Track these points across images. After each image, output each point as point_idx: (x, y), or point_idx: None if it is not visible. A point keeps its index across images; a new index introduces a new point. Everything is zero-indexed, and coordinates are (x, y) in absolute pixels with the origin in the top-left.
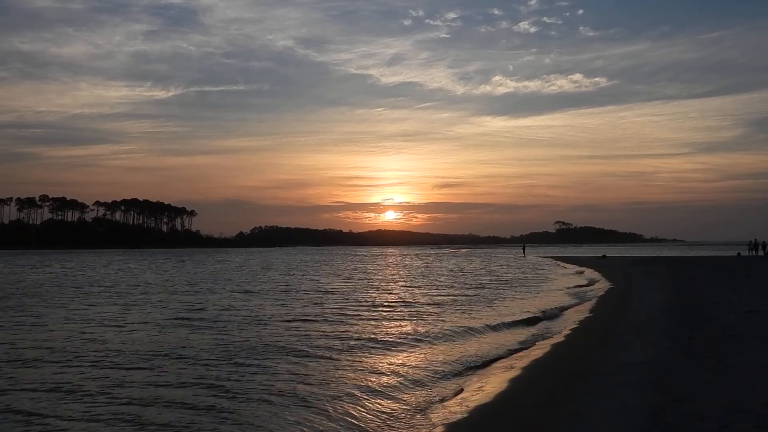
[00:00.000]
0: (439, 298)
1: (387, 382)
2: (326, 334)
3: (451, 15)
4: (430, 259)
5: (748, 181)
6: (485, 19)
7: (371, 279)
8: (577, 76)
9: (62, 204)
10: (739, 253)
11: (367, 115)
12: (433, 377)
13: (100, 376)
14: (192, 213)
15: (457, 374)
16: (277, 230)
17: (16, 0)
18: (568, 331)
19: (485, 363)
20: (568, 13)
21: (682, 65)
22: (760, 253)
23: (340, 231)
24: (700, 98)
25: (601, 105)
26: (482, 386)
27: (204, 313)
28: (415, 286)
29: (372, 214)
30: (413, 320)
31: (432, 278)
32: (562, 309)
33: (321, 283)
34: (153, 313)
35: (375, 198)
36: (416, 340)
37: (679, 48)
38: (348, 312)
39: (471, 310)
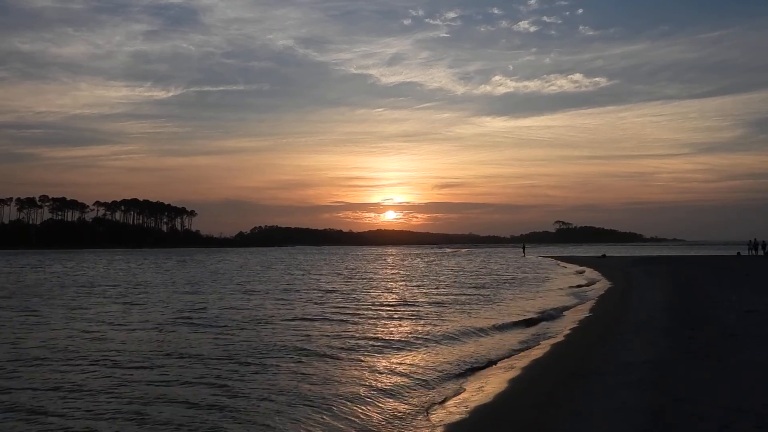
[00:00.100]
0: (439, 297)
1: (387, 383)
2: (327, 334)
3: (451, 15)
4: (431, 258)
5: (748, 181)
6: (485, 18)
7: (372, 279)
8: (577, 76)
9: (62, 204)
10: (739, 253)
11: (367, 115)
12: (433, 377)
13: (103, 374)
14: (192, 213)
15: (458, 375)
16: (277, 230)
17: (16, 0)
18: (568, 331)
19: (486, 364)
20: (567, 13)
21: (682, 65)
22: (760, 252)
23: (340, 231)
24: (700, 98)
25: (601, 105)
26: (482, 386)
27: (205, 312)
28: (415, 286)
29: (372, 214)
30: (414, 320)
31: (432, 278)
32: (563, 309)
33: (321, 282)
34: (154, 312)
35: (375, 198)
36: (417, 341)
37: (679, 48)
38: (349, 312)
39: (471, 310)
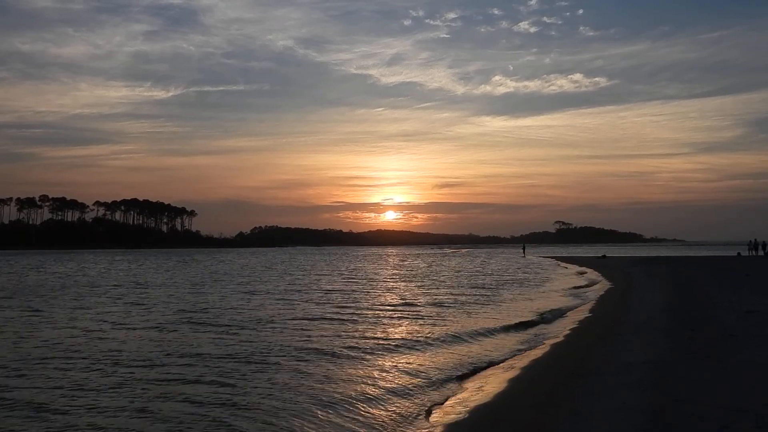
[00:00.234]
0: (440, 298)
1: (387, 382)
2: (328, 334)
3: (451, 15)
4: (431, 259)
5: (748, 181)
6: (485, 19)
7: (372, 279)
8: (577, 76)
9: (62, 204)
10: (739, 253)
11: (367, 115)
12: (433, 378)
13: (105, 373)
14: (192, 213)
15: (458, 375)
16: (277, 230)
17: (16, 0)
18: (568, 332)
19: (487, 364)
20: (568, 13)
21: (682, 65)
22: (760, 253)
23: (340, 231)
24: (700, 98)
25: (601, 105)
26: (482, 386)
27: (207, 313)
28: (416, 286)
29: (372, 214)
30: (414, 321)
31: (433, 278)
32: (563, 310)
33: (322, 283)
34: (156, 312)
35: (375, 198)
36: (417, 341)
37: (679, 48)
38: (349, 312)
39: (472, 311)
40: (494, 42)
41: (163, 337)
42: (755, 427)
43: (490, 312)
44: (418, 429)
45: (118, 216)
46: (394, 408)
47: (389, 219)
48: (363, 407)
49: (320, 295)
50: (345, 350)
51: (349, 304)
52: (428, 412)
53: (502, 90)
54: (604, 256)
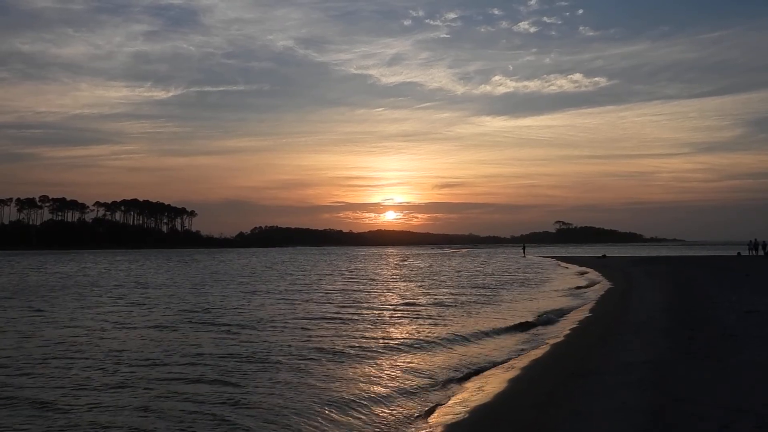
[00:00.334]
0: (441, 298)
1: (388, 383)
2: (329, 334)
3: (451, 15)
4: (431, 259)
5: (748, 181)
6: (485, 19)
7: (373, 279)
8: (577, 76)
9: (62, 204)
10: (739, 253)
11: (367, 115)
12: (434, 378)
13: (108, 372)
14: (192, 213)
15: (459, 376)
16: (277, 230)
17: (17, 0)
18: (568, 332)
19: (489, 365)
20: (568, 13)
21: (682, 65)
22: (760, 252)
23: (340, 231)
24: (700, 98)
25: (601, 105)
26: (482, 386)
27: (209, 313)
28: (416, 286)
29: (372, 214)
30: (416, 321)
31: (433, 278)
32: (563, 310)
33: (323, 283)
34: (157, 312)
35: (375, 198)
36: (418, 342)
37: (679, 48)
38: (350, 312)
39: (473, 312)
40: (494, 42)
41: (164, 336)
42: (755, 427)
43: (490, 312)
44: (418, 429)
45: (118, 216)
46: (395, 408)
47: (389, 219)
48: (363, 407)
49: (321, 295)
50: (346, 350)
51: (349, 304)
52: (428, 412)
53: (502, 90)
54: (604, 256)
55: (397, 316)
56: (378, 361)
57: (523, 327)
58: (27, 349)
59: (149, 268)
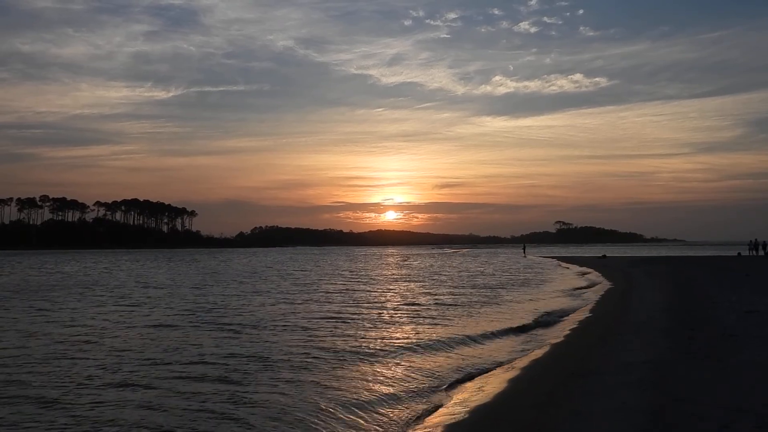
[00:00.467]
0: (441, 298)
1: (389, 383)
2: (330, 334)
3: (452, 15)
4: (432, 259)
5: (748, 181)
6: (485, 19)
7: (374, 279)
8: (577, 76)
9: (63, 204)
10: (739, 253)
11: (368, 115)
12: (435, 379)
13: (110, 370)
14: (192, 213)
15: (460, 377)
16: (277, 230)
17: (17, 0)
18: (568, 332)
19: (488, 366)
20: (568, 13)
21: (682, 65)
22: (761, 252)
23: (341, 231)
24: (700, 98)
25: (601, 105)
26: (482, 386)
27: (211, 312)
28: (417, 287)
29: (372, 214)
30: (417, 321)
31: (434, 278)
32: (564, 310)
33: (324, 283)
34: (159, 312)
35: (375, 198)
36: (419, 343)
37: (679, 48)
38: (351, 312)
39: (474, 312)
40: (494, 42)
41: (166, 336)
42: (755, 427)
43: (491, 313)
44: (418, 429)
45: (118, 216)
46: (395, 408)
47: (389, 219)
48: (364, 407)
49: (322, 294)
50: (346, 350)
51: (350, 304)
52: (429, 412)
53: (502, 90)
54: (604, 256)
55: (398, 317)
56: (378, 362)
57: (523, 328)
58: (29, 348)
59: (150, 268)
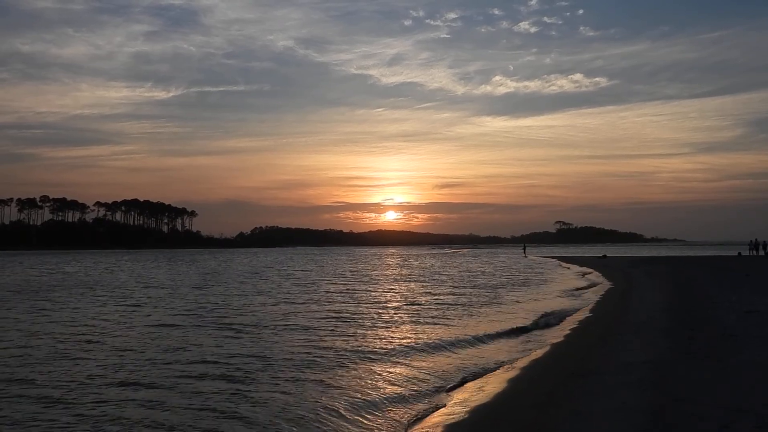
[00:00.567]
0: (442, 299)
1: (390, 383)
2: (331, 335)
3: (452, 15)
4: (432, 259)
5: (748, 181)
6: (485, 19)
7: (374, 279)
8: (578, 76)
9: (63, 204)
10: (740, 253)
11: (368, 115)
12: (435, 380)
13: (112, 369)
14: (192, 213)
15: (460, 377)
16: (277, 230)
17: (17, 1)
18: (568, 332)
19: (489, 366)
20: (568, 13)
21: (682, 65)
22: (761, 252)
23: (341, 231)
24: (700, 98)
25: (601, 105)
26: (482, 386)
27: (212, 312)
28: (418, 287)
29: (372, 215)
30: (418, 322)
31: (435, 279)
32: (564, 310)
33: (324, 283)
34: (161, 312)
35: (375, 198)
36: (420, 343)
37: (679, 48)
38: (351, 313)
39: (475, 313)
40: (494, 42)
41: (168, 335)
42: (755, 427)
43: (492, 313)
44: (418, 429)
45: (118, 216)
46: (396, 408)
47: (390, 219)
48: (365, 406)
49: (323, 295)
50: (347, 350)
51: (351, 304)
52: (429, 412)
53: (502, 90)
54: (604, 256)
55: (399, 317)
56: (379, 362)
57: (523, 328)
58: (32, 347)
59: (150, 268)
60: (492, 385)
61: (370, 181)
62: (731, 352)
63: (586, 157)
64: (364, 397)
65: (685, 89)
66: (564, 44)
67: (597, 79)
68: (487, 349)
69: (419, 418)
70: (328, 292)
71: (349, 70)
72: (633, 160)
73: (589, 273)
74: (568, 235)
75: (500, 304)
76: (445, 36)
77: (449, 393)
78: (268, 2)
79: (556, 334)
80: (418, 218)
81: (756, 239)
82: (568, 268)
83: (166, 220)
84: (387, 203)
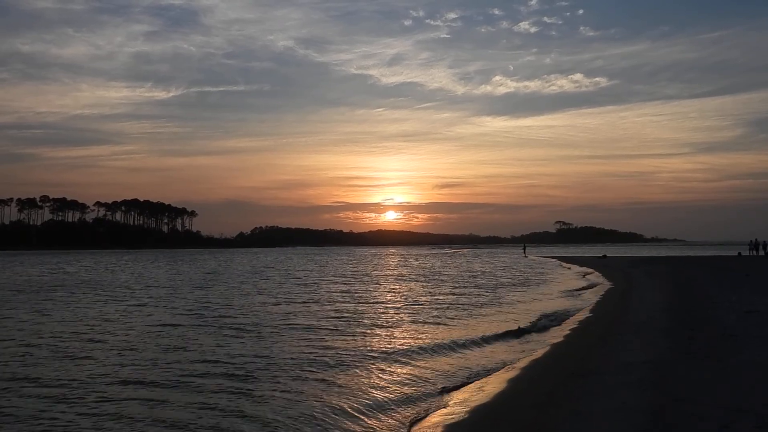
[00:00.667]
0: (443, 299)
1: (390, 384)
2: (332, 335)
3: (452, 15)
4: (432, 259)
5: (748, 181)
6: (485, 19)
7: (374, 279)
8: (578, 76)
9: (63, 204)
10: (740, 253)
11: (368, 115)
12: (436, 380)
13: (113, 369)
14: (192, 213)
15: (461, 378)
16: (277, 230)
17: (17, 1)
18: (568, 331)
19: (489, 366)
20: (568, 13)
21: (682, 65)
22: (761, 252)
23: (341, 231)
24: (700, 98)
25: (601, 105)
26: (482, 386)
27: (213, 312)
28: (419, 287)
29: (372, 215)
30: (418, 322)
31: (435, 279)
32: (564, 310)
33: (325, 283)
34: (162, 312)
35: (375, 198)
36: (421, 344)
37: (679, 48)
38: (352, 313)
39: (476, 313)
40: (494, 42)
41: (169, 334)
42: (755, 427)
43: (492, 313)
44: (419, 428)
45: (118, 216)
46: (396, 408)
47: (390, 219)
48: (365, 406)
49: (323, 294)
50: (348, 350)
51: (351, 305)
52: (429, 412)
53: (502, 90)
54: (604, 256)
55: (399, 317)
56: (380, 362)
57: (523, 328)
58: (34, 346)
59: (151, 268)
60: (492, 385)
61: (370, 181)
62: (731, 352)
63: (586, 157)
64: (364, 397)
65: (685, 89)
66: (564, 44)
67: (597, 79)
68: (488, 349)
69: (420, 418)
70: (328, 292)
71: (349, 70)
72: (633, 160)
73: (590, 273)
74: (568, 235)
75: (500, 304)
76: (445, 36)
77: (449, 393)
78: (268, 2)
79: (556, 334)
80: (418, 218)
81: (756, 239)
82: (569, 268)
83: (166, 220)
84: (387, 203)
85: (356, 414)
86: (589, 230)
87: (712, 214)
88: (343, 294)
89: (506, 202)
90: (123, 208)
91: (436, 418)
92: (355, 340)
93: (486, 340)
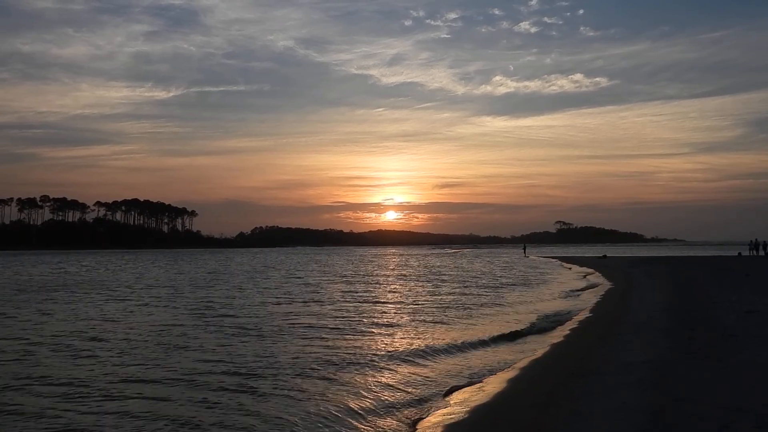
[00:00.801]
0: (443, 299)
1: (390, 384)
2: (332, 336)
3: (452, 15)
4: (433, 259)
5: (748, 181)
6: (486, 19)
7: (375, 280)
8: (578, 76)
9: (63, 204)
10: (740, 253)
11: (368, 115)
12: (436, 381)
13: (114, 368)
14: (192, 213)
15: (461, 378)
16: (277, 230)
17: (17, 1)
18: (568, 331)
19: (490, 366)
20: (568, 13)
21: (682, 65)
22: (761, 253)
23: (341, 231)
24: (700, 98)
25: (602, 105)
26: (482, 386)
27: (214, 312)
28: (419, 287)
29: (372, 214)
30: (419, 323)
31: (435, 279)
32: (565, 311)
33: (325, 283)
34: (162, 312)
35: (375, 198)
36: (420, 345)
37: (679, 48)
38: (352, 313)
39: (477, 314)
40: (495, 42)
41: (171, 333)
42: (755, 427)
43: (493, 314)
44: (419, 428)
45: (118, 216)
46: (397, 408)
47: (390, 219)
48: (366, 406)
49: (324, 294)
50: (348, 350)
51: (352, 305)
52: (430, 413)
53: (502, 90)
54: (604, 256)
55: (400, 317)
56: (380, 362)
57: (524, 329)
58: (36, 344)
59: (152, 268)
60: (492, 385)
61: (370, 181)
62: (731, 352)
63: (586, 157)
64: (364, 396)
65: (685, 89)
66: (564, 44)
67: (597, 79)
68: (488, 349)
69: (420, 418)
70: (329, 292)
71: (349, 70)
72: (633, 160)
73: (590, 273)
74: (568, 235)
75: (501, 304)
76: (446, 36)
77: (450, 393)
78: (268, 2)
79: (556, 335)
80: (418, 218)
81: (756, 239)
82: (569, 268)
83: (166, 220)
84: (387, 203)
85: (360, 412)
86: (589, 230)
87: (712, 214)
88: (344, 294)
89: (506, 202)
90: (123, 208)
91: (437, 418)
92: (356, 339)
93: (487, 340)
